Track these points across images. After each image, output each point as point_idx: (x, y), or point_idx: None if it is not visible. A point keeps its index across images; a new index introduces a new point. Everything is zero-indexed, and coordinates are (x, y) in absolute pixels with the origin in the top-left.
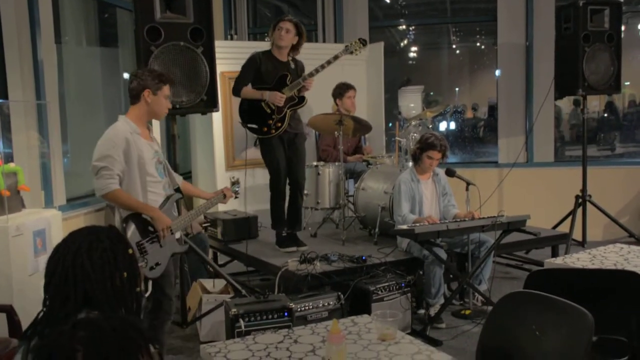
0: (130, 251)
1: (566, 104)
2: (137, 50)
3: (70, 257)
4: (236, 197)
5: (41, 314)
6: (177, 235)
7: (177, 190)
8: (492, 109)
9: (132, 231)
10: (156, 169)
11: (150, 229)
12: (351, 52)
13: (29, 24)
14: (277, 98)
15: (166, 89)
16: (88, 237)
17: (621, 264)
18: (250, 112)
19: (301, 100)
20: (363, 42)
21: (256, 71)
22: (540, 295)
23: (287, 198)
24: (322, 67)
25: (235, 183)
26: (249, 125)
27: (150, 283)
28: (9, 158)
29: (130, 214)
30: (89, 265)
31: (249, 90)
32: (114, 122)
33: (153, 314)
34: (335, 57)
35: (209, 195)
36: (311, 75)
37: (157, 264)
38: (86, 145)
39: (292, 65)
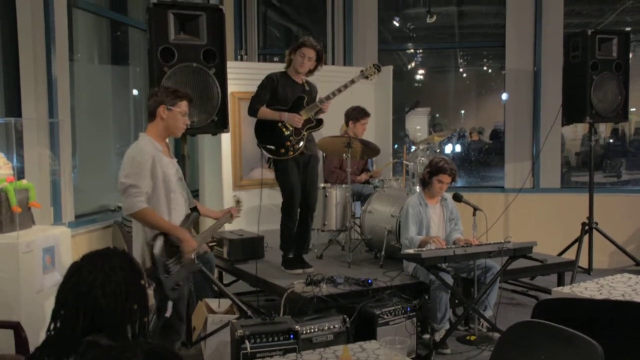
0: (143, 282)
1: (571, 130)
2: (150, 70)
3: (85, 288)
4: (238, 216)
5: (48, 336)
6: (192, 255)
7: (194, 209)
8: (496, 133)
9: (159, 250)
10: (178, 186)
11: (173, 249)
12: (366, 77)
13: (45, 42)
14: (296, 120)
15: (182, 105)
16: (103, 267)
17: (629, 294)
18: (267, 133)
19: (319, 123)
20: (377, 68)
21: (273, 91)
22: (549, 325)
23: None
24: (339, 90)
25: (238, 202)
26: (267, 147)
27: (170, 304)
28: (20, 174)
29: (159, 232)
30: (102, 299)
31: (267, 111)
32: (123, 138)
33: (164, 334)
34: (352, 82)
35: (216, 214)
36: (328, 98)
37: (177, 285)
38: (95, 161)
39: (307, 87)
